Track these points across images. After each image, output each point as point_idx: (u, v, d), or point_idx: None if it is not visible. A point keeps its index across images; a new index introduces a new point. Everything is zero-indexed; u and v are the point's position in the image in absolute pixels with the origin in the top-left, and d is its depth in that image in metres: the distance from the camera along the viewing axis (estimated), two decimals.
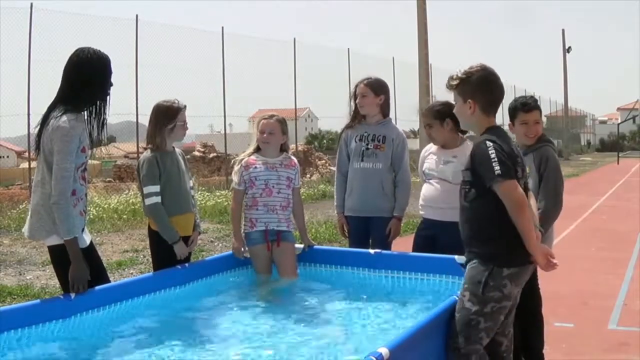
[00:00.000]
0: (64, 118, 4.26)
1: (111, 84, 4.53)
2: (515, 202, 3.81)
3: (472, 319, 3.92)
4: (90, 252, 4.58)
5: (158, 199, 5.13)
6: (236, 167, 5.65)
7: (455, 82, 4.07)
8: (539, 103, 5.28)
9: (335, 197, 6.30)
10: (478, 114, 4.03)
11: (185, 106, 5.26)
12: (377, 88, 5.97)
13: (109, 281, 4.90)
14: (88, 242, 4.57)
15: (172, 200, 5.19)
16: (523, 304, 4.48)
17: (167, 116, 5.20)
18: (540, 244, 3.95)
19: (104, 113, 4.57)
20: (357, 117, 6.10)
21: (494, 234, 3.91)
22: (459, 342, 3.95)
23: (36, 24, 16.88)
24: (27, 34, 16.65)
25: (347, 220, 6.14)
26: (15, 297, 7.82)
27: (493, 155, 3.82)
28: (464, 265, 4.30)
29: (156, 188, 5.13)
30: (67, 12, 18.56)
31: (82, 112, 4.41)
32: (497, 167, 3.80)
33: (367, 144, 5.94)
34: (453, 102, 4.35)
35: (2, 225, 13.77)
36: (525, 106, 5.13)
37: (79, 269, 4.32)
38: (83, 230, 4.53)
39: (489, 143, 3.88)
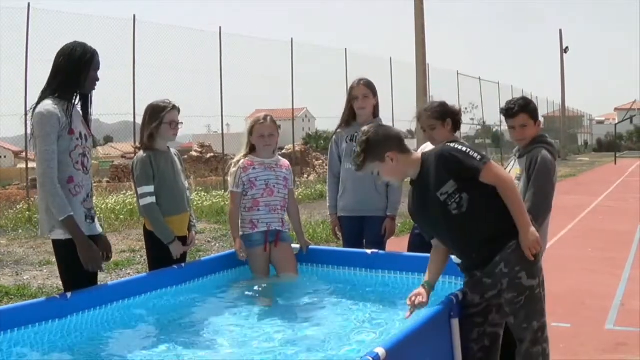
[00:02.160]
0: (41, 104, 4.32)
1: (94, 78, 4.52)
2: (505, 177, 3.98)
3: (537, 293, 4.03)
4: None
5: (153, 199, 5.13)
6: (232, 170, 5.64)
7: (362, 157, 4.07)
8: (532, 104, 5.13)
9: (327, 198, 6.32)
10: (402, 161, 4.10)
11: (173, 106, 5.25)
12: (374, 89, 6.05)
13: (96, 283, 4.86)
14: (88, 234, 4.51)
15: (167, 200, 5.18)
16: None
17: (152, 115, 5.22)
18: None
19: (88, 107, 4.63)
20: (349, 118, 6.11)
21: (508, 212, 3.96)
22: (534, 322, 4.02)
23: (33, 24, 16.87)
24: (24, 34, 16.62)
25: (340, 221, 6.16)
26: (13, 297, 7.82)
27: (465, 149, 3.98)
28: (460, 266, 4.31)
29: (150, 188, 5.13)
30: (65, 12, 18.49)
31: (64, 100, 4.40)
32: (476, 155, 3.94)
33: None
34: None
35: None
36: (508, 111, 5.06)
37: (84, 248, 4.28)
38: (92, 220, 4.54)
39: (450, 144, 4.06)
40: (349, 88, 6.11)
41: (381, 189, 5.94)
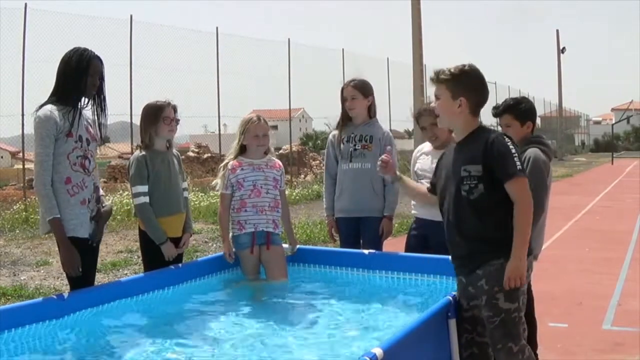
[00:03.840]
0: (42, 108, 4.43)
1: (92, 83, 4.57)
2: (529, 200, 3.81)
3: (513, 317, 3.92)
4: (92, 248, 4.65)
5: (146, 199, 5.14)
6: (221, 172, 5.62)
7: (446, 77, 4.00)
8: (522, 105, 5.06)
9: (324, 199, 6.30)
10: (465, 113, 4.00)
11: (168, 103, 5.26)
12: (365, 90, 6.00)
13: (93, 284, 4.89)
14: (87, 235, 4.57)
15: (161, 200, 5.18)
16: None
17: (149, 114, 5.25)
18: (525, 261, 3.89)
19: (96, 110, 4.74)
20: (344, 119, 6.11)
21: (510, 227, 3.83)
22: (510, 344, 3.90)
23: (30, 24, 16.85)
24: (21, 34, 16.61)
25: (338, 223, 6.14)
26: (10, 297, 7.80)
27: (514, 151, 3.85)
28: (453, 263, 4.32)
29: (144, 188, 5.14)
30: (62, 12, 18.47)
31: (67, 106, 4.49)
32: (517, 163, 3.82)
33: (355, 145, 5.95)
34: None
35: None
36: (494, 110, 5.09)
37: (64, 251, 4.41)
38: (96, 220, 4.63)
39: (507, 138, 3.93)
40: (341, 89, 6.10)
41: (378, 189, 5.94)
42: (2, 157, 50.73)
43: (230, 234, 5.62)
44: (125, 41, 19.42)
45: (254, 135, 5.51)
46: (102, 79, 4.66)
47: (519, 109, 5.02)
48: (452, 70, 3.99)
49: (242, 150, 5.59)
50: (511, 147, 3.86)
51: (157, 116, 5.20)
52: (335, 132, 6.17)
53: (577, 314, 7.31)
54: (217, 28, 22.20)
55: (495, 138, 3.89)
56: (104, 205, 4.84)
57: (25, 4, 16.63)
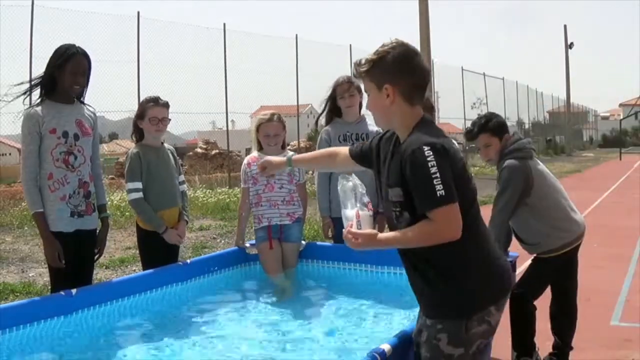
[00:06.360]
0: (29, 107, 4.59)
1: (72, 81, 4.57)
2: (445, 235, 2.95)
3: None
4: (79, 243, 4.66)
5: (138, 195, 5.17)
6: (242, 168, 5.75)
7: (365, 67, 3.11)
8: (494, 120, 4.96)
9: (319, 199, 6.16)
10: (399, 103, 3.08)
11: (156, 101, 5.24)
12: (360, 88, 5.97)
13: (91, 279, 4.92)
14: (65, 230, 4.58)
15: (156, 195, 5.21)
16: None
17: (139, 110, 5.30)
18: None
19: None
20: (332, 116, 6.12)
21: (450, 259, 3.07)
22: None
23: (38, 21, 16.89)
24: (28, 31, 16.65)
25: (334, 222, 6.00)
26: (18, 294, 7.83)
27: (434, 170, 2.88)
28: None
29: (137, 184, 5.17)
30: (69, 9, 18.50)
31: (51, 101, 4.58)
32: (439, 188, 2.87)
33: (353, 144, 5.93)
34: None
35: (4, 223, 13.77)
36: (468, 134, 5.04)
37: (44, 244, 4.53)
38: (79, 216, 4.64)
39: (426, 149, 2.92)
40: (335, 85, 6.06)
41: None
42: (10, 154, 50.86)
43: (254, 228, 5.74)
44: (133, 38, 19.46)
45: (265, 134, 5.59)
46: (85, 74, 4.65)
47: (492, 126, 4.92)
48: (374, 55, 3.12)
49: (261, 146, 5.66)
50: (431, 163, 2.89)
51: (145, 113, 5.22)
52: (328, 128, 6.13)
53: (585, 310, 7.25)
54: (224, 24, 22.17)
55: (411, 152, 2.95)
56: (101, 213, 4.94)
57: (32, 1, 16.68)
